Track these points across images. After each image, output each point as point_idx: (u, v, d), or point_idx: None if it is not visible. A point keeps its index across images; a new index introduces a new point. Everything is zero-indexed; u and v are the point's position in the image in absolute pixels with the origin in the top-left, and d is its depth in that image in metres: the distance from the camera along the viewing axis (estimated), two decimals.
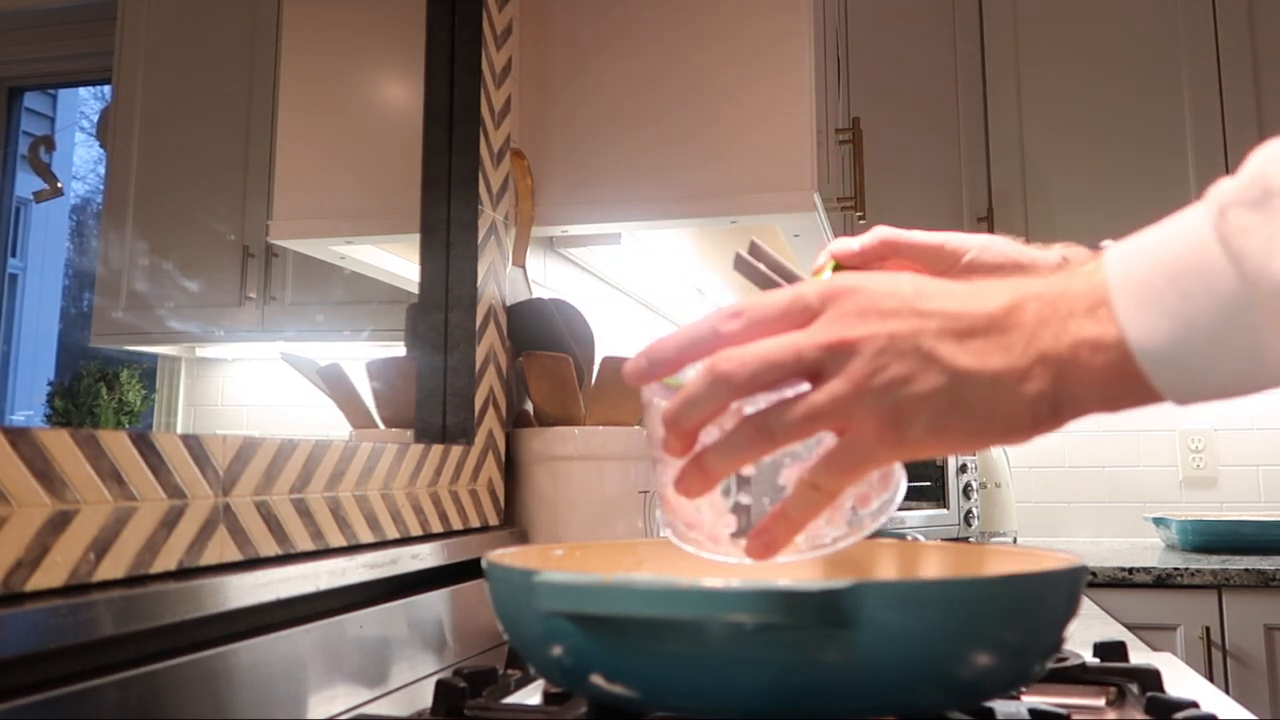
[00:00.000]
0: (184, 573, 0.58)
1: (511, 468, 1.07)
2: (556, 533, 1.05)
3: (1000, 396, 0.44)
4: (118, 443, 0.54)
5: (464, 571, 0.89)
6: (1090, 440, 2.60)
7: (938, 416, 0.44)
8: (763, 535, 0.50)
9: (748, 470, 0.53)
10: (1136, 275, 0.43)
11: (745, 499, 0.54)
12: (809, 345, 0.46)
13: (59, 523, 0.50)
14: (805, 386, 0.47)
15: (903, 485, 0.54)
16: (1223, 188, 0.42)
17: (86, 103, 0.72)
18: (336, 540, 0.74)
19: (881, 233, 0.71)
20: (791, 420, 0.46)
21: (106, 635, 0.50)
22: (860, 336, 0.45)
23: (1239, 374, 0.42)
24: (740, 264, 0.73)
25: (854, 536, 0.53)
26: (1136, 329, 0.42)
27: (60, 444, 0.50)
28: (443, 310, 1.01)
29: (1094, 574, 1.93)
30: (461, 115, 1.04)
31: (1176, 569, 1.92)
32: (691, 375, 0.49)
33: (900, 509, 2.21)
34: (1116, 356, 0.43)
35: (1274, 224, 0.40)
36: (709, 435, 0.49)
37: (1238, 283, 0.41)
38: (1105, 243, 0.48)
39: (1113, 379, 0.43)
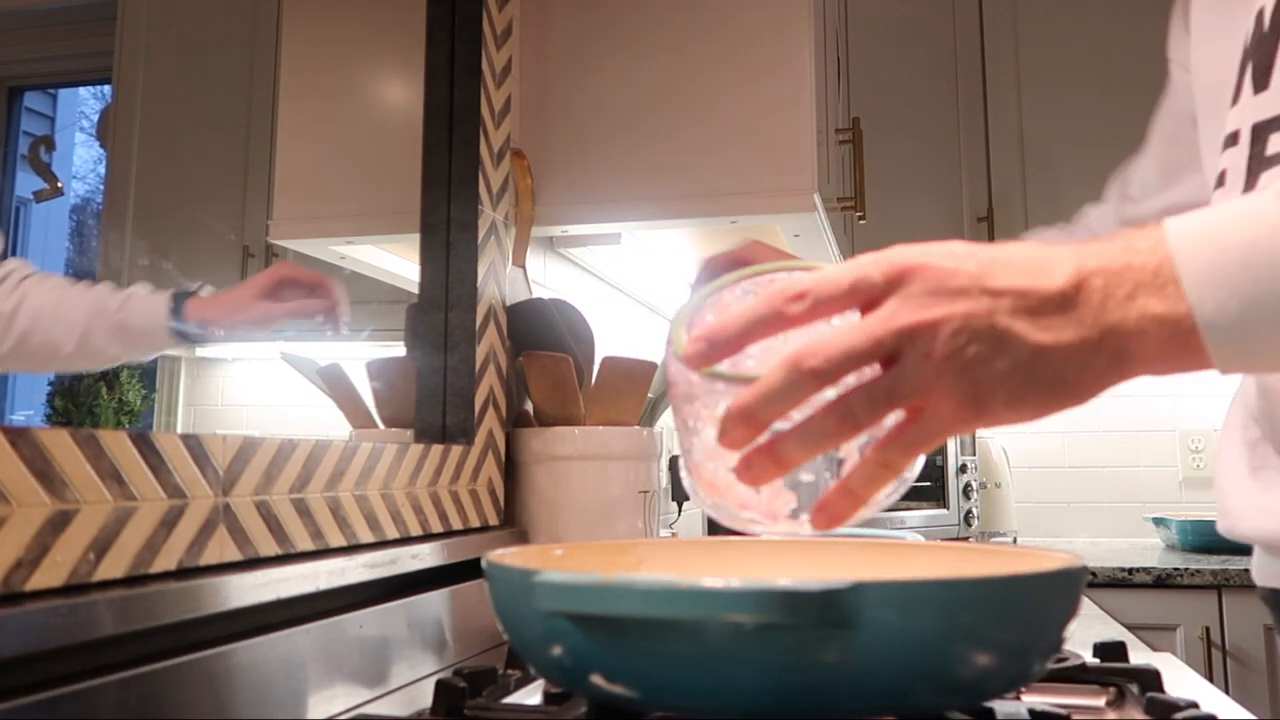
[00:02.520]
0: (184, 573, 0.58)
1: (511, 468, 1.07)
2: (556, 533, 1.05)
3: (1073, 367, 0.47)
4: (118, 443, 0.54)
5: (464, 571, 0.89)
6: (1090, 440, 2.60)
7: (1015, 390, 0.47)
8: (827, 509, 0.52)
9: None
10: (1205, 256, 0.46)
11: (808, 476, 0.55)
12: (887, 333, 0.47)
13: (59, 522, 0.50)
14: (876, 369, 0.48)
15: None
16: None
17: (86, 103, 0.72)
18: (336, 540, 0.74)
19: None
20: (874, 405, 0.48)
21: (106, 635, 0.50)
22: (936, 319, 0.47)
23: None
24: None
25: (896, 493, 0.54)
26: (1206, 307, 0.46)
27: (60, 444, 0.50)
28: (443, 310, 1.01)
29: (1094, 574, 1.93)
30: (461, 115, 1.04)
31: (1176, 569, 1.92)
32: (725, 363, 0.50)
33: (900, 509, 2.21)
34: (1182, 330, 0.46)
35: None
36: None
37: None
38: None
39: (1173, 350, 0.47)
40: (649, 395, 1.11)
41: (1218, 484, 0.86)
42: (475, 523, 0.97)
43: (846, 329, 0.48)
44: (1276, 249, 0.45)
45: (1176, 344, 0.46)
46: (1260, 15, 0.70)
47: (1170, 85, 0.97)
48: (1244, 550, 2.16)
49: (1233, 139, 0.71)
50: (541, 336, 1.09)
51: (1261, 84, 0.68)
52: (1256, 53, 0.70)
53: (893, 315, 0.47)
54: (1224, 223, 0.47)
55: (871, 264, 0.49)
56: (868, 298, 0.49)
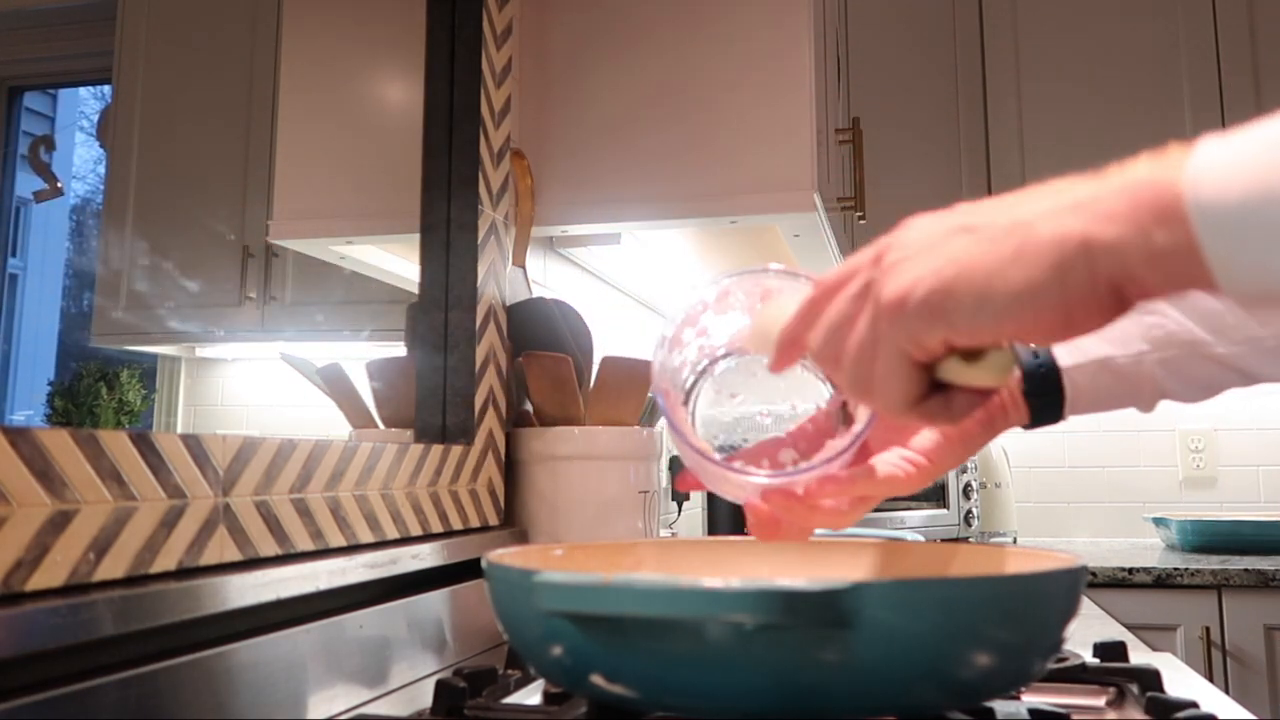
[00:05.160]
0: (184, 573, 0.58)
1: (511, 468, 1.07)
2: (556, 533, 1.05)
3: (1011, 239, 0.41)
4: (118, 443, 0.54)
5: (464, 571, 0.89)
6: (1090, 440, 2.60)
7: (946, 263, 0.43)
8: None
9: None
10: (1213, 145, 0.38)
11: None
12: (864, 259, 0.47)
13: (59, 523, 0.50)
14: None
15: None
16: None
17: (86, 103, 0.72)
18: (336, 540, 0.74)
19: None
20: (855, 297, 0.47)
21: (106, 635, 0.50)
22: (902, 232, 0.47)
23: None
24: None
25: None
26: (1203, 188, 0.37)
27: (60, 444, 0.50)
28: (443, 310, 1.01)
29: (1094, 574, 1.93)
30: (461, 115, 1.04)
31: (1176, 569, 1.92)
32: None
33: (900, 509, 2.21)
34: (1163, 195, 0.38)
35: None
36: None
37: None
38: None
39: (1151, 220, 0.38)
40: (649, 395, 1.11)
41: None
42: (475, 523, 0.97)
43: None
44: None
45: (1156, 216, 0.38)
46: None
47: None
48: (1244, 550, 2.17)
49: None
50: (541, 336, 1.09)
51: None
52: None
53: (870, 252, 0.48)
54: (1248, 133, 0.38)
55: (864, 253, 0.49)
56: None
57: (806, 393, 0.61)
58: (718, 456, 0.56)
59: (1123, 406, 0.63)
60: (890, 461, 0.58)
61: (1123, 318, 0.42)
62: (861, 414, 0.56)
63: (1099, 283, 0.40)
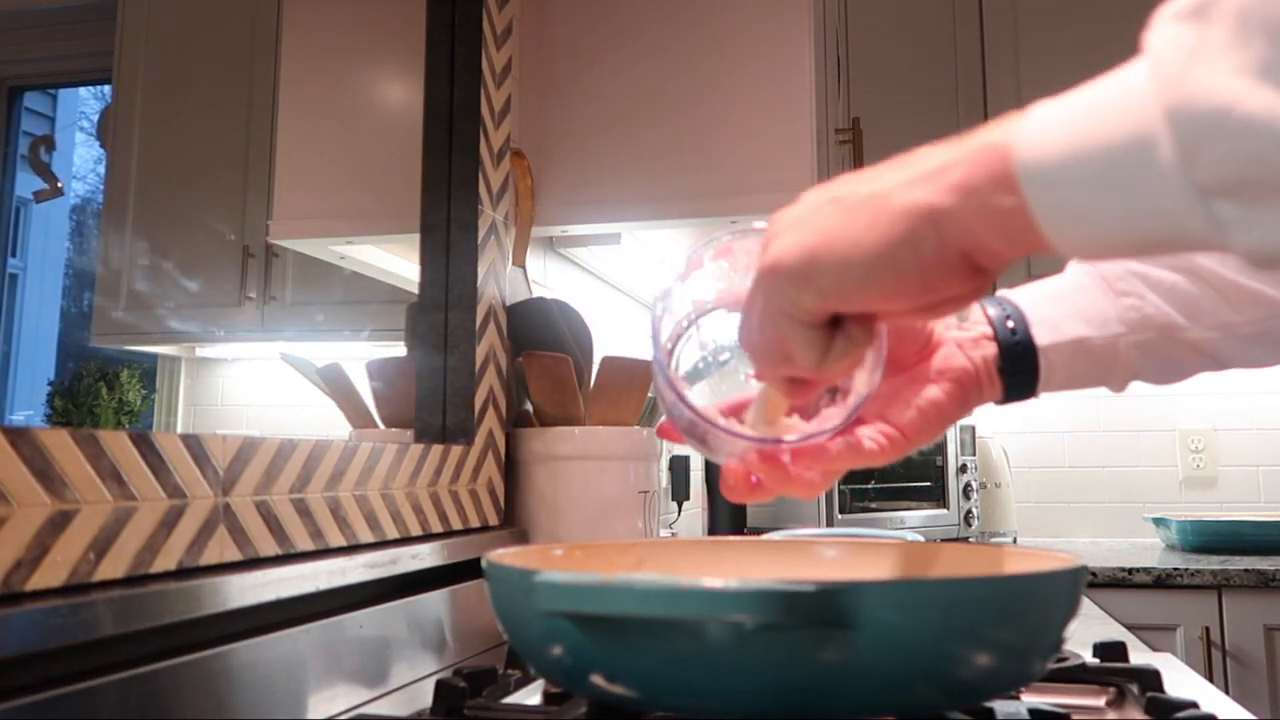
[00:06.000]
0: (184, 573, 0.58)
1: (511, 468, 1.07)
2: (556, 533, 1.05)
3: (866, 210, 0.44)
4: (118, 443, 0.54)
5: (464, 571, 0.89)
6: (1090, 440, 2.60)
7: (812, 233, 0.45)
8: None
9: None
10: (1046, 107, 0.40)
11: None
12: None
13: (59, 522, 0.50)
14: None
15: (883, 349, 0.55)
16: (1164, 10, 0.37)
17: (86, 103, 0.72)
18: (336, 540, 0.74)
19: None
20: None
21: (106, 635, 0.50)
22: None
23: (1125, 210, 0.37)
24: None
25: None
26: (1027, 149, 0.39)
27: (60, 444, 0.50)
28: (443, 310, 1.01)
29: (1094, 574, 1.93)
30: (461, 115, 1.04)
31: (1176, 569, 1.92)
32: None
33: (900, 509, 2.21)
34: (999, 160, 0.40)
35: (1205, 32, 0.34)
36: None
37: (1150, 91, 0.35)
38: None
39: (993, 187, 0.40)
40: (649, 395, 1.11)
41: None
42: (475, 523, 0.97)
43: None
44: (1126, 76, 0.37)
45: (993, 182, 0.40)
46: None
47: None
48: (1244, 550, 2.17)
49: None
50: (541, 336, 1.09)
51: None
52: None
53: None
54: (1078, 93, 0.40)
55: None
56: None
57: None
58: (719, 419, 0.55)
59: (1094, 386, 0.64)
60: (866, 435, 0.58)
61: (982, 283, 0.44)
62: (858, 386, 0.56)
63: (949, 251, 0.42)
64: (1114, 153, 0.36)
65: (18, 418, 0.64)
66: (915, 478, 2.25)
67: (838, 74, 1.68)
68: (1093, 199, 0.37)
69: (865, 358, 0.53)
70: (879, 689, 0.45)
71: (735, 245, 0.59)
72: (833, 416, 0.56)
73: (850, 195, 0.45)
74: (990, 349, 0.60)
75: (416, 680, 0.79)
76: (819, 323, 0.47)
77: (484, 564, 0.54)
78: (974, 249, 0.42)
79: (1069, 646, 0.70)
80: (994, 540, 2.37)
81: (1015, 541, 2.42)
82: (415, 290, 1.02)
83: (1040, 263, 1.37)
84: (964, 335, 0.61)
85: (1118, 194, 0.37)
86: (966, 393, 0.60)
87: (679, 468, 1.80)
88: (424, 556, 0.83)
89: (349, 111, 1.02)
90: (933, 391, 0.59)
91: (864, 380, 0.55)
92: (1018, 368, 0.61)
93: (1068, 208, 0.38)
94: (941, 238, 0.42)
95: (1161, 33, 0.36)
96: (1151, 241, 0.38)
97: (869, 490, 2.22)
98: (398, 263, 1.05)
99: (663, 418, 0.59)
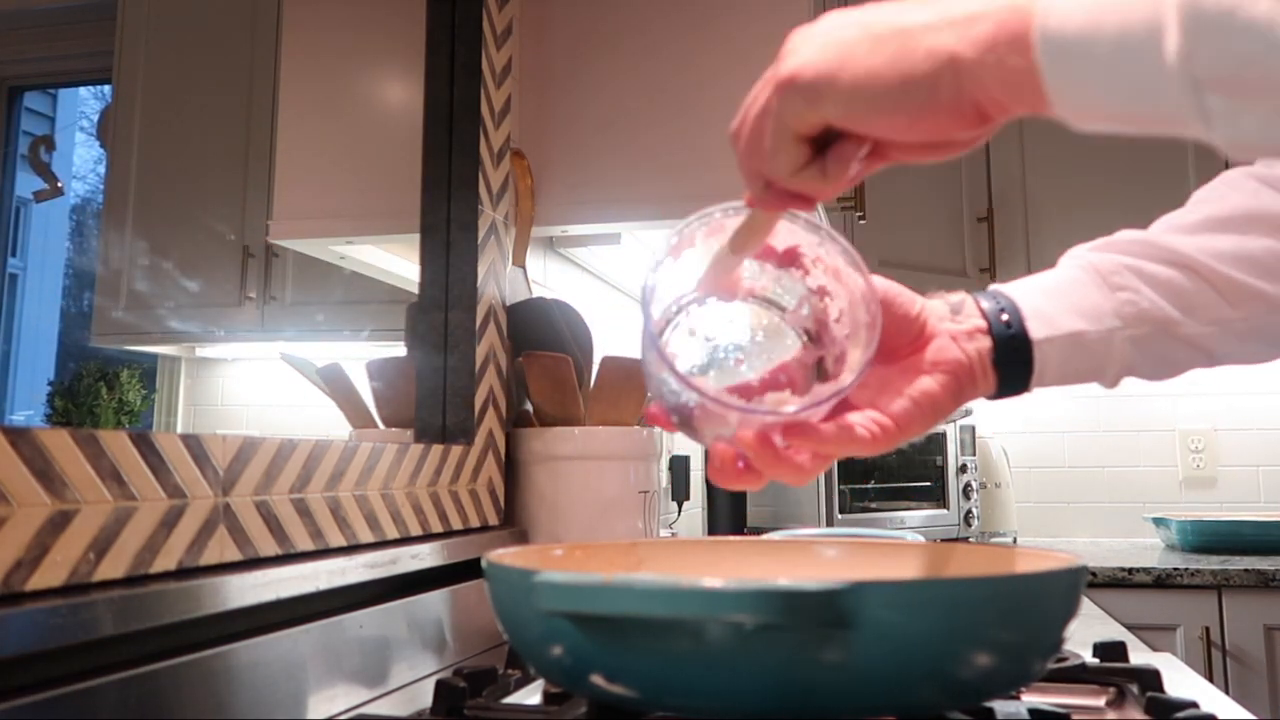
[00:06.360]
0: (184, 573, 0.58)
1: (511, 468, 1.07)
2: (556, 533, 1.05)
3: (893, 43, 0.46)
4: (118, 443, 0.54)
5: (464, 571, 0.89)
6: (1090, 440, 2.60)
7: (835, 54, 0.48)
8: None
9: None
10: None
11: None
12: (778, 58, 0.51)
13: (59, 522, 0.50)
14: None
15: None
16: None
17: (86, 103, 0.72)
18: (336, 540, 0.74)
19: None
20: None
21: (106, 635, 0.50)
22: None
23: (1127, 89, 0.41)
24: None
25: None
26: (1050, 19, 0.42)
27: (60, 444, 0.50)
28: (443, 310, 1.01)
29: (1094, 574, 1.93)
30: (461, 115, 1.04)
31: (1176, 569, 1.92)
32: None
33: (900, 509, 2.21)
34: (1020, 24, 0.43)
35: None
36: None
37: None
38: None
39: (1010, 48, 0.43)
40: (648, 395, 1.11)
41: None
42: (475, 523, 0.97)
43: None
44: None
45: (1011, 43, 0.43)
46: None
47: None
48: (1244, 550, 2.17)
49: None
50: (541, 336, 1.09)
51: None
52: None
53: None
54: None
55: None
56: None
57: (784, 342, 0.61)
58: (709, 388, 0.55)
59: (1088, 381, 0.63)
60: (858, 422, 0.58)
61: (986, 130, 0.48)
62: (850, 367, 0.55)
63: (964, 98, 0.45)
64: (1126, 37, 0.40)
65: (18, 418, 0.64)
66: (915, 478, 2.24)
67: None
68: (1098, 75, 0.41)
69: (839, 258, 0.58)
70: (879, 689, 0.45)
71: (728, 224, 0.59)
72: (825, 391, 0.55)
73: (878, 24, 0.47)
74: (984, 342, 0.60)
75: (416, 680, 0.79)
76: (810, 136, 0.51)
77: (484, 564, 0.54)
78: (986, 100, 0.45)
79: (1069, 646, 0.70)
80: (994, 540, 2.37)
81: (1015, 542, 2.42)
82: (415, 290, 1.02)
83: (1039, 261, 1.38)
84: (958, 328, 0.61)
85: (1121, 74, 0.40)
86: (960, 385, 0.60)
87: (679, 468, 1.80)
88: (424, 556, 0.83)
89: (349, 111, 1.02)
90: (926, 382, 0.59)
91: (858, 357, 0.55)
92: (1012, 361, 0.61)
93: (1074, 78, 0.42)
94: (959, 85, 0.45)
95: None
96: (1142, 119, 0.42)
97: (869, 490, 2.22)
98: (398, 263, 1.05)
99: (651, 403, 0.59)
